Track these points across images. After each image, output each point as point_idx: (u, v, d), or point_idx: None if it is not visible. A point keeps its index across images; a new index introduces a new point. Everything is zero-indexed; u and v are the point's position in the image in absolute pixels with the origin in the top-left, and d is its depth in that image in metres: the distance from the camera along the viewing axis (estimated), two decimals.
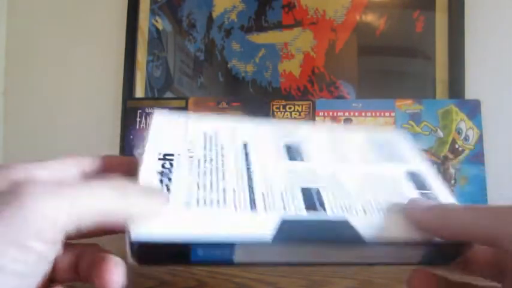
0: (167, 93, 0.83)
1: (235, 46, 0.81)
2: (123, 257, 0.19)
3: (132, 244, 0.19)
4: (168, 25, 0.84)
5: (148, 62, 0.84)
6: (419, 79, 0.74)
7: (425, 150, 0.66)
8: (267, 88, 0.79)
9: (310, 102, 0.72)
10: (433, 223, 0.21)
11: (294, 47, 0.79)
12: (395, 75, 0.75)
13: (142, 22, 0.84)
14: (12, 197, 0.15)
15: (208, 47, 0.82)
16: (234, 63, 0.81)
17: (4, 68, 0.92)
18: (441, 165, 0.66)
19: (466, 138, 0.66)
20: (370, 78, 0.76)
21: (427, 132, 0.67)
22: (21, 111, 0.91)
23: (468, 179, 0.65)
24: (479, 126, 0.67)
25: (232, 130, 0.27)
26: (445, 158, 0.66)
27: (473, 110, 0.67)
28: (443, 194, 0.25)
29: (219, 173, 0.24)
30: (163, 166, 0.23)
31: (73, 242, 0.20)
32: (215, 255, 0.21)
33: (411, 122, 0.68)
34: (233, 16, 0.81)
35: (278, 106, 0.73)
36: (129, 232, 0.19)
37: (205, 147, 0.25)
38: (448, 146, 0.66)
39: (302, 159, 0.26)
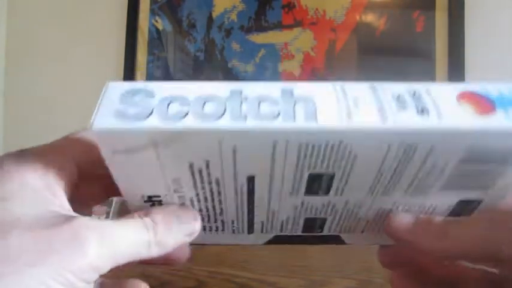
0: None
1: (235, 46, 0.81)
2: None
3: None
4: (168, 25, 0.84)
5: (148, 62, 0.84)
6: (419, 79, 0.74)
7: None
8: None
9: None
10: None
11: (294, 47, 0.79)
12: (395, 75, 0.75)
13: (142, 22, 0.84)
14: (72, 236, 0.17)
15: (208, 47, 0.82)
16: (234, 63, 0.81)
17: (4, 68, 0.92)
18: None
19: None
20: (370, 78, 0.76)
21: None
22: (21, 111, 0.91)
23: None
24: None
25: (231, 158, 0.18)
26: None
27: None
28: None
29: (217, 210, 0.22)
30: (152, 205, 0.21)
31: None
32: None
33: None
34: (233, 16, 0.81)
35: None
36: None
37: (195, 186, 0.20)
38: None
39: (326, 194, 0.21)
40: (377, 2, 0.76)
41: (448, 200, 0.21)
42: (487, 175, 0.19)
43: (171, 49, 0.84)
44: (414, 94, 0.18)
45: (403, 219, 0.21)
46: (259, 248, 0.50)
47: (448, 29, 0.73)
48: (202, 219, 0.21)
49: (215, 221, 0.22)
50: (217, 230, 0.23)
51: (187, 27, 0.83)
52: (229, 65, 0.81)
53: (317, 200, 0.21)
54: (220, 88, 0.18)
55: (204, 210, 0.21)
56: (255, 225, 0.23)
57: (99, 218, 0.65)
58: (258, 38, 0.80)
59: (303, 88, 0.18)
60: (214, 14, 0.82)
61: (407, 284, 0.25)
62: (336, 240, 0.24)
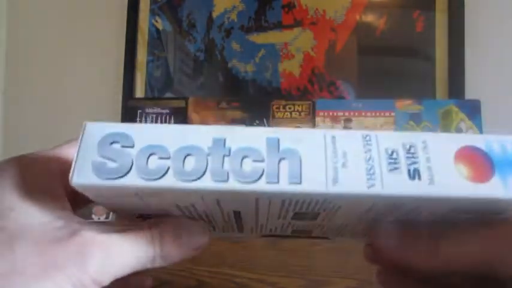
0: (167, 93, 0.83)
1: (235, 46, 0.81)
2: None
3: None
4: (168, 25, 0.84)
5: (148, 62, 0.84)
6: (419, 79, 0.74)
7: None
8: (267, 88, 0.79)
9: (310, 102, 0.72)
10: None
11: (294, 47, 0.79)
12: (395, 75, 0.75)
13: (142, 22, 0.84)
14: (77, 252, 0.17)
15: (208, 47, 0.82)
16: (234, 63, 0.81)
17: (4, 68, 0.92)
18: None
19: None
20: (370, 78, 0.76)
21: None
22: (21, 111, 0.91)
23: None
24: (479, 126, 0.67)
25: (214, 205, 0.19)
26: None
27: (473, 110, 0.67)
28: None
29: (206, 222, 0.22)
30: None
31: None
32: None
33: (411, 122, 0.68)
34: (233, 16, 0.81)
35: (278, 106, 0.73)
36: None
37: (184, 214, 0.20)
38: None
39: (313, 220, 0.21)
40: (377, 2, 0.76)
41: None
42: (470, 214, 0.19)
43: (171, 49, 0.84)
44: (409, 149, 0.17)
45: (389, 238, 0.20)
46: (259, 248, 0.50)
47: (448, 29, 0.73)
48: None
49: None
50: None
51: (187, 27, 0.83)
52: (229, 65, 0.81)
53: (305, 222, 0.22)
54: (202, 136, 0.17)
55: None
56: (245, 230, 0.24)
57: (99, 218, 0.65)
58: (258, 38, 0.80)
59: (290, 139, 0.17)
60: (214, 14, 0.82)
61: (391, 277, 0.24)
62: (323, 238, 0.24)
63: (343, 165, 0.17)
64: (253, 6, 0.80)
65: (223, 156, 0.17)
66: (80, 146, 0.17)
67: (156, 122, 0.77)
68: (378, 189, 0.16)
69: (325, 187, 0.16)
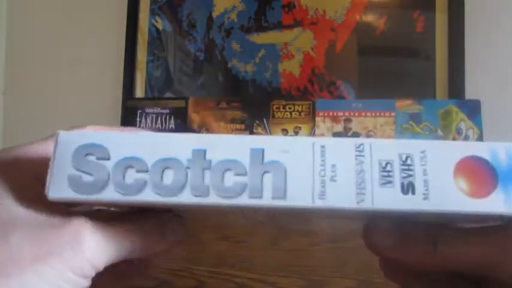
0: (167, 93, 0.83)
1: (235, 46, 0.81)
2: None
3: None
4: (168, 25, 0.84)
5: (148, 62, 0.84)
6: (419, 79, 0.74)
7: None
8: (267, 88, 0.79)
9: (310, 102, 0.72)
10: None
11: (294, 47, 0.79)
12: (395, 75, 0.75)
13: (142, 22, 0.84)
14: (71, 237, 0.17)
15: (208, 47, 0.82)
16: (234, 63, 0.81)
17: (4, 68, 0.92)
18: None
19: (466, 138, 0.66)
20: (370, 78, 0.76)
21: (427, 132, 0.67)
22: (21, 111, 0.91)
23: None
24: (479, 126, 0.67)
25: (196, 209, 0.20)
26: None
27: (473, 110, 0.67)
28: None
29: None
30: None
31: None
32: None
33: (411, 122, 0.68)
34: (233, 16, 0.81)
35: (278, 106, 0.73)
36: None
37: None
38: None
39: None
40: (377, 2, 0.76)
41: None
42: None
43: (171, 49, 0.84)
44: (406, 161, 0.16)
45: (385, 239, 0.19)
46: (259, 248, 0.50)
47: (448, 29, 0.72)
48: None
49: None
50: None
51: (187, 27, 0.83)
52: (229, 65, 0.81)
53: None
54: (181, 148, 0.16)
55: None
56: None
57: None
58: (258, 38, 0.80)
59: (276, 150, 0.16)
60: (214, 14, 0.82)
61: (392, 267, 0.23)
62: None
63: (332, 178, 0.16)
64: (253, 6, 0.80)
65: (203, 169, 0.16)
66: (54, 157, 0.16)
67: (156, 122, 0.77)
68: (368, 205, 0.16)
69: (311, 202, 0.16)
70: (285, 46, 0.79)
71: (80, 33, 0.89)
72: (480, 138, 0.66)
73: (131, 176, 0.16)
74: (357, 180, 0.16)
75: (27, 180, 0.19)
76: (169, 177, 0.16)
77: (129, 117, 0.77)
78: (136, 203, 0.16)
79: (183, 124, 0.76)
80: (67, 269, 0.17)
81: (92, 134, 0.17)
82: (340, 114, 0.71)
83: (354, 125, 0.70)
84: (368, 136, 0.70)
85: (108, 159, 0.16)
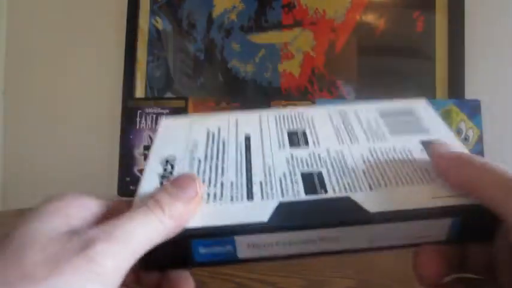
0: (167, 93, 0.83)
1: (235, 46, 0.81)
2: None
3: None
4: (168, 25, 0.84)
5: (148, 62, 0.84)
6: (419, 79, 0.74)
7: None
8: (267, 88, 0.79)
9: (310, 102, 0.72)
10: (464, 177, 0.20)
11: (294, 47, 0.79)
12: (395, 75, 0.75)
13: (142, 22, 0.84)
14: (80, 246, 0.18)
15: (208, 47, 0.82)
16: (234, 63, 0.81)
17: (4, 68, 0.92)
18: None
19: (466, 138, 0.66)
20: (370, 78, 0.76)
21: None
22: (21, 111, 0.91)
23: None
24: (479, 126, 0.67)
25: (234, 124, 0.28)
26: None
27: (473, 110, 0.67)
28: None
29: (219, 169, 0.24)
30: (164, 169, 0.24)
31: None
32: (217, 252, 0.21)
33: None
34: (233, 16, 0.81)
35: (278, 106, 0.73)
36: None
37: (207, 145, 0.26)
38: None
39: (306, 145, 0.26)
40: (377, 2, 0.76)
41: (409, 143, 0.25)
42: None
43: (171, 49, 0.84)
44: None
45: (447, 150, 0.22)
46: None
47: (448, 29, 0.72)
48: (203, 182, 0.23)
49: (215, 185, 0.23)
50: (215, 197, 0.22)
51: (187, 27, 0.83)
52: (229, 65, 0.81)
53: (303, 152, 0.25)
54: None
55: (208, 171, 0.24)
56: (254, 187, 0.23)
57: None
58: (258, 38, 0.80)
59: None
60: (214, 14, 0.82)
61: (437, 261, 0.21)
62: (353, 211, 0.21)
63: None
64: (253, 6, 0.80)
65: None
66: None
67: (156, 122, 0.77)
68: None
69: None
70: (285, 46, 0.79)
71: (80, 33, 0.89)
72: (480, 138, 0.66)
73: None
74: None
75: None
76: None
77: (129, 117, 0.77)
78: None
79: None
80: (77, 277, 0.17)
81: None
82: None
83: None
84: None
85: None
